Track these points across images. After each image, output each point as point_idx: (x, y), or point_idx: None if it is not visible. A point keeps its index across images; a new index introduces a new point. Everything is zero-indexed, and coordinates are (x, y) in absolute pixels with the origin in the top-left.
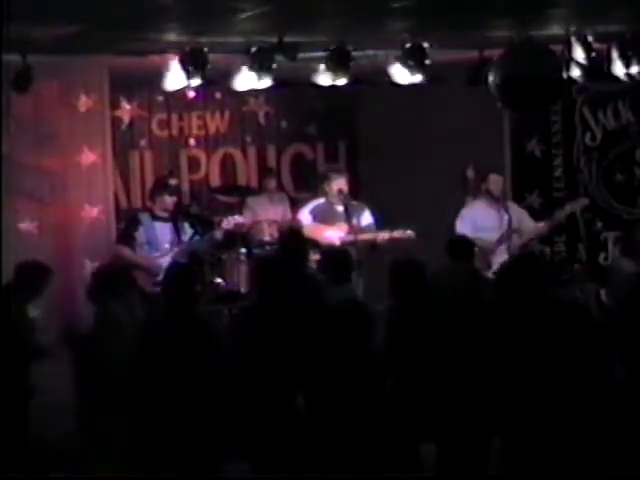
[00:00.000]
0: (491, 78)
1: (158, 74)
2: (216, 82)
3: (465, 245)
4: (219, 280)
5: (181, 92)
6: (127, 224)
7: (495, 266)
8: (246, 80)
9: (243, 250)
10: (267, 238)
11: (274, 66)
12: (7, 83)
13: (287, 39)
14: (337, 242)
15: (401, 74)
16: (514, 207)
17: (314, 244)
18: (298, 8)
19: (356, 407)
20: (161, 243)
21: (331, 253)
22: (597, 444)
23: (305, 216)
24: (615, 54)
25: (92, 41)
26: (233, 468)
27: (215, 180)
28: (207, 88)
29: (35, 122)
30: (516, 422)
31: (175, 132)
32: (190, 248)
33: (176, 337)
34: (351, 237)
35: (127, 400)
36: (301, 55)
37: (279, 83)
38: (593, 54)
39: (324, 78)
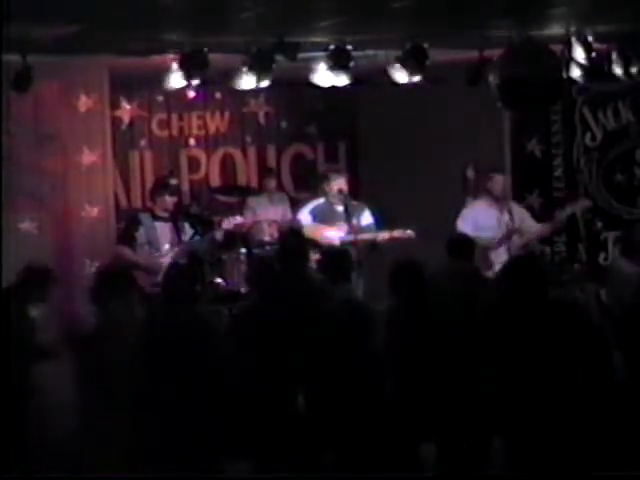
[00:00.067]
0: (491, 78)
1: (158, 74)
2: (216, 82)
3: (465, 244)
4: (219, 280)
5: (181, 92)
6: (127, 224)
7: (497, 266)
8: (246, 80)
9: (243, 250)
10: (267, 238)
11: (274, 66)
12: (7, 83)
13: (287, 39)
14: (337, 242)
15: (401, 74)
16: (516, 207)
17: (314, 244)
18: (298, 8)
19: (356, 407)
20: (161, 243)
21: (331, 253)
22: (597, 444)
23: (305, 216)
24: (615, 54)
25: (92, 41)
26: (233, 468)
27: (215, 180)
28: (207, 88)
29: (35, 122)
30: (516, 422)
31: (175, 132)
32: (190, 248)
33: (176, 337)
34: (351, 237)
35: (128, 400)
36: (301, 55)
37: (279, 83)
38: (593, 54)
39: (324, 78)
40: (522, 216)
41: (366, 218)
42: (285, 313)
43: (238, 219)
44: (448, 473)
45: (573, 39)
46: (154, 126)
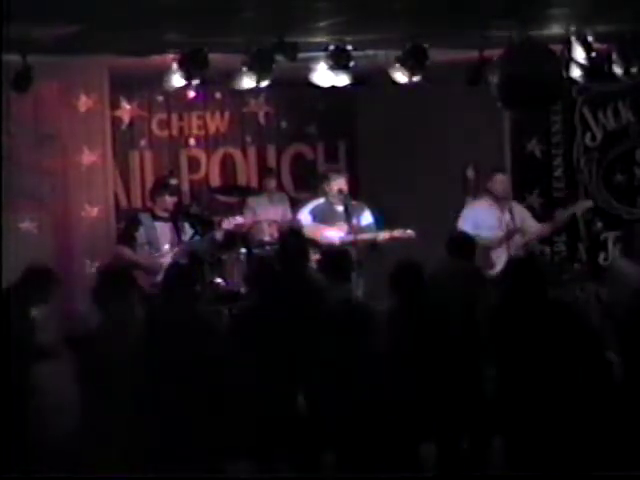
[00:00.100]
0: (491, 78)
1: (158, 74)
2: (216, 82)
3: (465, 243)
4: (219, 280)
5: (181, 92)
6: (127, 224)
7: (498, 265)
8: (246, 80)
9: (243, 250)
10: (267, 238)
11: (274, 66)
12: (7, 83)
13: (287, 39)
14: (337, 242)
15: (401, 74)
16: (517, 207)
17: (314, 244)
18: (298, 8)
19: (356, 406)
20: (161, 243)
21: (331, 253)
22: (596, 444)
23: (305, 216)
24: (615, 54)
25: (92, 41)
26: (233, 468)
27: (215, 180)
28: (207, 88)
29: (35, 122)
30: (515, 421)
31: (175, 132)
32: (190, 248)
33: (176, 337)
34: (351, 237)
35: (128, 400)
36: (301, 55)
37: (279, 83)
38: (593, 54)
39: (324, 78)
40: (523, 216)
41: (366, 218)
42: (285, 313)
43: (238, 219)
44: (448, 473)
45: (573, 39)
46: (154, 126)
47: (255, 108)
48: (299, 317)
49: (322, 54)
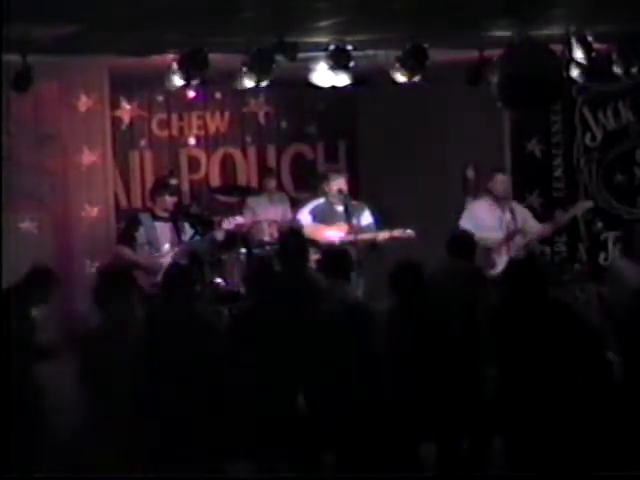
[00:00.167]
0: (491, 78)
1: (158, 74)
2: (216, 82)
3: (465, 243)
4: (219, 280)
5: (181, 92)
6: (127, 224)
7: (498, 266)
8: (246, 80)
9: (243, 250)
10: (267, 238)
11: (274, 66)
12: (7, 83)
13: (287, 39)
14: (337, 242)
15: (401, 74)
16: (518, 207)
17: (314, 244)
18: (298, 8)
19: (355, 406)
20: (161, 243)
21: (331, 253)
22: (596, 444)
23: (305, 216)
24: (615, 54)
25: (92, 41)
26: (233, 468)
27: (215, 180)
28: (207, 88)
29: (35, 122)
30: (515, 421)
31: (175, 132)
32: (190, 248)
33: (175, 337)
34: (351, 237)
35: (128, 400)
36: (301, 55)
37: (279, 83)
38: (593, 54)
39: (324, 78)
40: (524, 216)
41: (366, 218)
42: (285, 313)
43: (238, 219)
44: (448, 473)
45: (573, 39)
46: (154, 126)
47: (255, 108)
48: (299, 317)
49: (322, 54)
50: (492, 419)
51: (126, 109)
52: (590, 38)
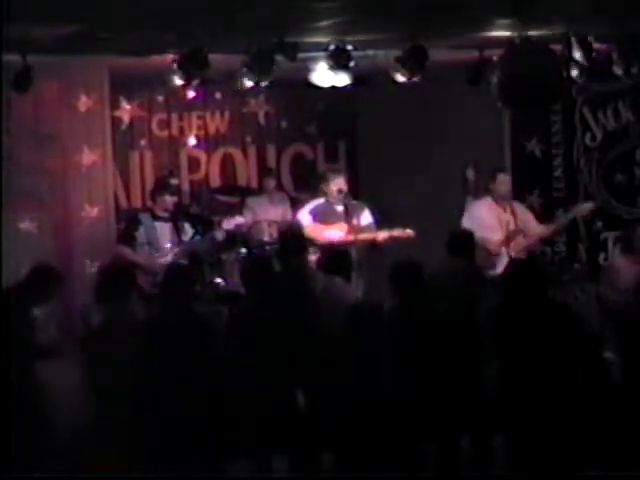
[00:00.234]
0: (491, 78)
1: (158, 74)
2: (216, 82)
3: (465, 242)
4: (219, 280)
5: (181, 92)
6: (127, 224)
7: (499, 266)
8: (246, 80)
9: (243, 250)
10: (267, 238)
11: (274, 66)
12: (7, 83)
13: (287, 39)
14: (337, 242)
15: (401, 74)
16: (520, 207)
17: (314, 244)
18: (298, 8)
19: (355, 406)
20: (161, 243)
21: (331, 253)
22: (596, 444)
23: (305, 216)
24: (615, 54)
25: (92, 41)
26: (233, 468)
27: (215, 180)
28: (207, 88)
29: (35, 122)
30: (515, 421)
31: (175, 132)
32: (191, 248)
33: (174, 337)
34: (351, 237)
35: (128, 399)
36: (301, 55)
37: (279, 83)
38: (593, 54)
39: (324, 78)
40: (525, 217)
41: (366, 218)
42: (284, 313)
43: (238, 219)
44: (448, 473)
45: (573, 39)
46: (154, 126)
47: (255, 108)
48: (298, 316)
49: (322, 54)
50: (492, 419)
51: (126, 109)
52: (590, 38)
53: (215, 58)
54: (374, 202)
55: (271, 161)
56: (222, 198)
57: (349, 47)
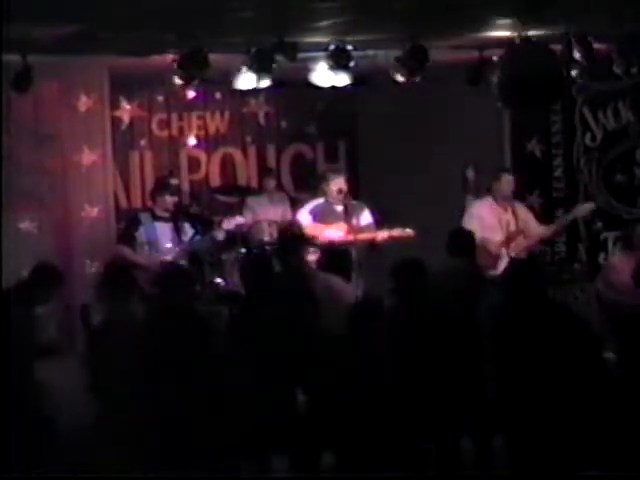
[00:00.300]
0: (491, 78)
1: (158, 74)
2: (216, 82)
3: (465, 242)
4: (219, 280)
5: (181, 92)
6: (127, 224)
7: (499, 266)
8: (246, 80)
9: (243, 250)
10: (267, 238)
11: (274, 66)
12: (7, 83)
13: (287, 39)
14: (336, 242)
15: (401, 74)
16: (521, 208)
17: (314, 244)
18: (298, 8)
19: (355, 405)
20: (161, 243)
21: (331, 253)
22: (596, 444)
23: (305, 216)
24: (615, 54)
25: (92, 41)
26: (233, 468)
27: (215, 180)
28: (207, 88)
29: (35, 122)
30: (515, 421)
31: (175, 132)
32: (192, 248)
33: (174, 337)
34: (351, 237)
35: (129, 399)
36: (301, 55)
37: (279, 83)
38: (593, 54)
39: (324, 78)
40: (527, 217)
41: (365, 218)
42: (285, 312)
43: (238, 219)
44: (448, 473)
45: (573, 39)
46: (154, 126)
47: (255, 108)
48: (298, 317)
49: (322, 54)
50: (492, 419)
51: (126, 109)
52: (590, 38)
53: (215, 58)
54: (374, 202)
55: (271, 161)
56: (222, 198)
57: (349, 47)
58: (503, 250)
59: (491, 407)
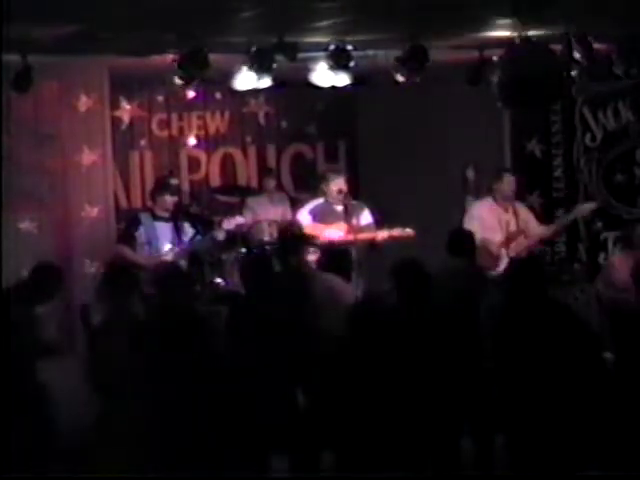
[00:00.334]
0: (491, 78)
1: (158, 74)
2: (216, 82)
3: (466, 242)
4: (219, 280)
5: (181, 92)
6: (128, 224)
7: (500, 266)
8: (246, 80)
9: (243, 250)
10: (267, 238)
11: (274, 66)
12: (7, 83)
13: (287, 39)
14: (336, 242)
15: (401, 74)
16: (522, 208)
17: (314, 244)
18: (298, 8)
19: (355, 405)
20: (161, 243)
21: (331, 253)
22: (596, 444)
23: (305, 216)
24: (615, 54)
25: (92, 41)
26: (233, 468)
27: (215, 180)
28: (207, 88)
29: (35, 122)
30: (514, 421)
31: (175, 132)
32: (192, 248)
33: (173, 337)
34: (351, 237)
35: (129, 399)
36: (301, 55)
37: (279, 83)
38: (593, 54)
39: (324, 78)
40: (527, 217)
41: (365, 218)
42: (284, 311)
43: (238, 219)
44: (448, 473)
45: (573, 39)
46: (154, 126)
47: (255, 108)
48: (298, 317)
49: (322, 54)
50: (492, 419)
51: (126, 109)
52: (590, 38)
53: (215, 58)
54: (374, 202)
55: (271, 161)
56: (222, 198)
57: (349, 47)
58: (503, 250)
59: (491, 407)
